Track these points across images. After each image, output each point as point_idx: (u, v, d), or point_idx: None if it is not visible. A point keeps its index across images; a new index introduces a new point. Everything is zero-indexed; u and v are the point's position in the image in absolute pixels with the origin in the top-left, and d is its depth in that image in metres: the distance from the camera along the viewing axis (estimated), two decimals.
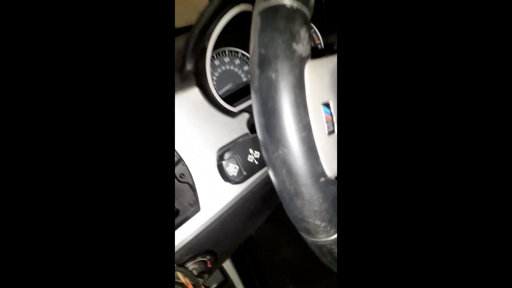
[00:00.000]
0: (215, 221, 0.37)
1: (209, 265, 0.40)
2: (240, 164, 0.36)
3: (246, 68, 0.51)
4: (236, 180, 0.37)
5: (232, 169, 0.36)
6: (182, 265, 0.37)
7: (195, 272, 0.37)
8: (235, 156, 0.36)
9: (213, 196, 0.37)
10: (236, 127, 0.40)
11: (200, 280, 0.35)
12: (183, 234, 0.36)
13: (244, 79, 0.51)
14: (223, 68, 0.49)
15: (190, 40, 0.38)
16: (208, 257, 0.39)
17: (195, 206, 0.38)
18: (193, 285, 0.34)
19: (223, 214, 0.38)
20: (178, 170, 0.38)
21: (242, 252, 0.73)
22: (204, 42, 0.38)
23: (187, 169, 0.36)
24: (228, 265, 0.69)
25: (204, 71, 0.38)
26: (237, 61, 0.51)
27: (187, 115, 0.37)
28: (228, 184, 0.38)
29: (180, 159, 0.36)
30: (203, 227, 0.37)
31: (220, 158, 0.36)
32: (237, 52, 0.51)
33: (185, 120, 0.37)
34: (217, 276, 0.65)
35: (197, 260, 0.38)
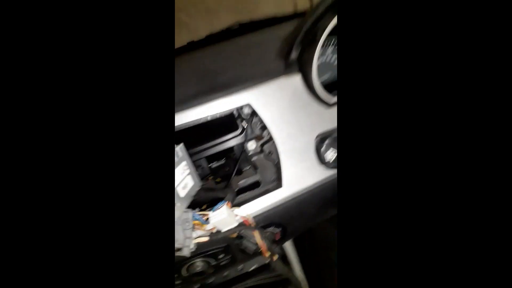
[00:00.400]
0: (293, 199, 0.40)
1: (277, 238, 0.44)
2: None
3: None
4: (331, 165, 0.39)
5: (330, 154, 0.38)
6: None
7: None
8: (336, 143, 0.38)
9: (298, 177, 0.40)
10: (329, 117, 0.41)
11: (274, 247, 0.38)
12: (262, 204, 0.40)
13: None
14: (324, 58, 0.50)
15: (301, 29, 0.41)
16: (278, 230, 0.43)
17: (276, 182, 0.41)
18: (268, 248, 0.38)
19: (302, 195, 0.41)
20: (267, 147, 0.42)
21: (303, 236, 0.75)
22: (315, 33, 0.40)
23: (275, 148, 0.40)
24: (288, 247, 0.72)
25: (310, 61, 0.40)
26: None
27: (286, 99, 0.41)
28: (315, 168, 0.40)
29: (271, 138, 0.40)
30: (281, 202, 0.40)
31: (321, 141, 0.39)
32: None
33: (283, 104, 0.40)
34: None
35: (268, 230, 0.43)
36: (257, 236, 0.37)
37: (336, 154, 0.38)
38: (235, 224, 0.36)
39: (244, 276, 0.57)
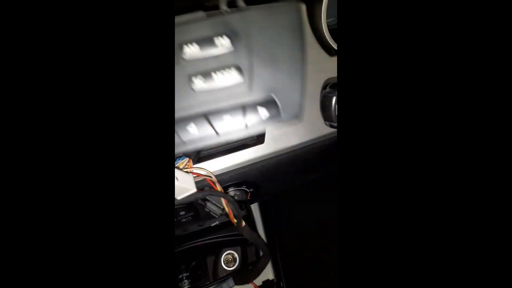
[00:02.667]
0: (274, 158, 0.35)
1: (249, 197, 0.40)
2: None
3: None
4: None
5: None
6: (226, 188, 0.37)
7: (236, 198, 0.37)
8: None
9: (284, 133, 0.34)
10: (330, 67, 0.34)
11: (241, 211, 0.34)
12: (238, 159, 0.34)
13: None
14: None
15: None
16: (251, 189, 0.38)
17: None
18: (235, 216, 0.33)
19: (284, 154, 0.35)
20: None
21: (269, 201, 0.73)
22: None
23: None
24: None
25: None
26: None
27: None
28: (308, 125, 0.33)
29: None
30: (259, 160, 0.35)
31: (333, 90, 0.31)
32: None
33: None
34: None
35: (241, 188, 0.37)
36: (224, 203, 0.32)
37: None
38: (192, 191, 0.28)
39: (204, 232, 0.54)
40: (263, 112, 0.21)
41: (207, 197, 0.32)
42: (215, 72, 0.19)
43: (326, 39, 0.34)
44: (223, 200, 0.32)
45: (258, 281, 0.67)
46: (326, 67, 0.34)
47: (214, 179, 0.32)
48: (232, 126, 0.20)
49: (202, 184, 0.32)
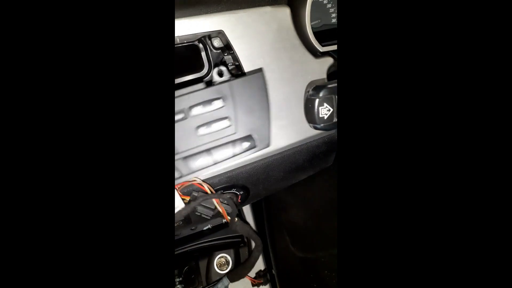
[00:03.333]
0: (262, 160, 0.35)
1: (239, 200, 0.40)
2: (335, 108, 0.32)
3: None
4: (322, 124, 0.32)
5: (324, 110, 0.32)
6: (217, 191, 0.37)
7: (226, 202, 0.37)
8: (333, 97, 0.32)
9: (271, 135, 0.34)
10: (315, 69, 0.35)
11: (234, 212, 0.34)
12: (227, 163, 0.34)
13: (333, 21, 0.44)
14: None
15: None
16: (241, 192, 0.38)
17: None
18: (228, 214, 0.33)
19: (272, 157, 0.35)
20: None
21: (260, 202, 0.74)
22: None
23: None
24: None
25: None
26: None
27: (269, 35, 0.33)
28: (294, 126, 0.34)
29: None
30: (248, 163, 0.35)
31: (315, 92, 0.32)
32: None
33: (264, 40, 0.32)
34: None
35: (231, 191, 0.37)
36: (217, 203, 0.32)
37: (331, 111, 0.32)
38: (180, 207, 0.30)
39: (197, 236, 0.54)
40: (245, 145, 0.31)
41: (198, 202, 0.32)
42: (213, 121, 0.29)
43: (311, 42, 0.35)
44: (214, 200, 0.32)
45: (251, 273, 0.67)
46: (311, 69, 0.35)
47: (199, 180, 0.32)
48: (225, 156, 0.31)
49: (190, 189, 0.32)
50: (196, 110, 0.28)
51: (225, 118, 0.29)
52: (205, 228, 0.52)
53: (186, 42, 0.33)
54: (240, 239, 0.56)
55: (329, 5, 0.43)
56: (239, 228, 0.37)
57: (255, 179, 0.37)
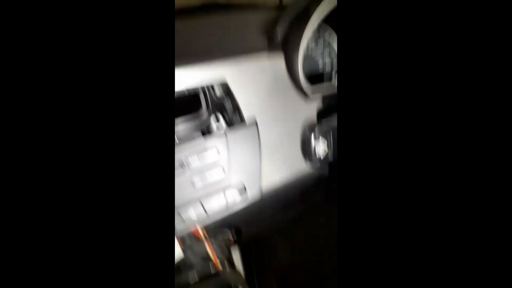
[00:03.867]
0: (257, 202, 0.34)
1: (230, 241, 0.38)
2: (330, 145, 0.33)
3: (327, 59, 0.48)
4: (318, 163, 0.34)
5: (321, 147, 0.33)
6: (209, 231, 0.35)
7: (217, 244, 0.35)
8: (328, 135, 0.34)
9: (267, 174, 0.34)
10: (306, 110, 0.37)
11: (225, 256, 0.32)
12: (220, 214, 0.33)
13: (320, 70, 0.48)
14: (306, 52, 0.46)
15: (290, 12, 0.36)
16: (234, 233, 0.36)
17: None
18: (219, 259, 0.31)
19: (265, 194, 0.35)
20: None
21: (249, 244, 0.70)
22: (308, 15, 0.35)
23: None
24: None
25: (297, 46, 0.35)
26: (320, 50, 0.48)
27: (267, 83, 0.35)
28: (288, 163, 0.35)
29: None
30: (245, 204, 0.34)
31: (310, 130, 0.34)
32: (325, 41, 0.47)
33: (262, 87, 0.34)
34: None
35: (222, 233, 0.36)
36: (209, 248, 0.30)
37: (326, 148, 0.33)
38: (179, 256, 0.30)
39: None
40: (238, 195, 0.31)
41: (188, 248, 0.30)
42: (208, 170, 0.29)
43: (302, 86, 0.37)
44: (207, 247, 0.30)
45: None
46: (304, 109, 0.37)
47: (199, 229, 0.30)
48: (217, 206, 0.30)
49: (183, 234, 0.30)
50: (192, 159, 0.29)
51: (219, 167, 0.30)
52: (190, 278, 0.48)
53: (188, 90, 0.34)
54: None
55: (317, 57, 0.48)
56: (230, 278, 0.34)
57: (248, 219, 0.36)
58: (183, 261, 0.32)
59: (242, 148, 0.30)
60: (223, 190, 0.30)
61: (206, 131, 0.35)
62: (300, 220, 0.50)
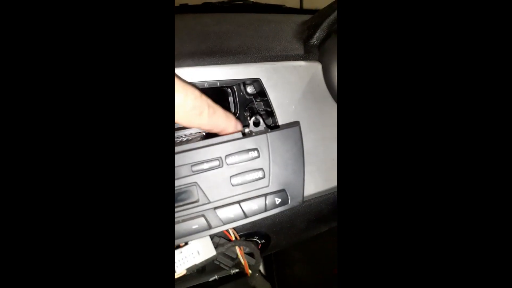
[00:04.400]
0: (289, 211, 0.34)
1: (259, 249, 0.37)
2: None
3: None
4: None
5: None
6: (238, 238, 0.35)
7: (246, 250, 0.34)
8: None
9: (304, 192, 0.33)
10: None
11: (252, 260, 0.31)
12: (257, 217, 0.33)
13: None
14: None
15: (326, 15, 0.35)
16: (263, 241, 0.36)
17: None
18: (250, 266, 0.31)
19: (298, 205, 0.34)
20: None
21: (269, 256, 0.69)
22: None
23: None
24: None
25: (334, 55, 0.34)
26: None
27: (303, 86, 0.34)
28: (323, 174, 0.34)
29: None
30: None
31: None
32: None
33: (298, 90, 0.34)
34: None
35: (253, 239, 0.35)
36: (239, 252, 0.30)
37: None
38: (213, 253, 0.29)
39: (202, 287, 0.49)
40: (277, 200, 0.30)
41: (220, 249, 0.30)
42: (247, 172, 0.29)
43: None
44: (238, 250, 0.30)
45: None
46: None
47: (231, 231, 0.30)
48: (255, 208, 0.29)
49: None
50: (232, 159, 0.28)
51: (259, 169, 0.29)
52: (211, 279, 0.48)
53: (220, 86, 0.35)
54: None
55: None
56: (259, 284, 0.33)
57: (279, 228, 0.35)
58: (214, 264, 0.32)
59: (284, 150, 0.30)
60: (263, 194, 0.29)
61: None
62: (319, 236, 0.49)
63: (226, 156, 0.28)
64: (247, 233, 0.34)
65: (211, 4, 0.58)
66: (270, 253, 0.67)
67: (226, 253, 0.32)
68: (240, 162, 0.28)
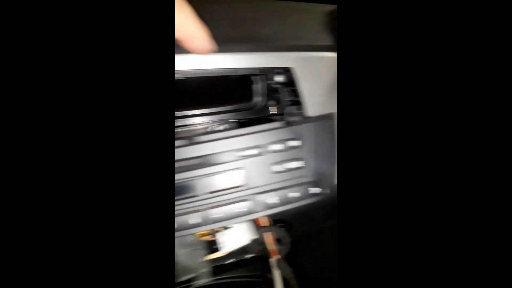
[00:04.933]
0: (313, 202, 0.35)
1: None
2: None
3: None
4: None
5: None
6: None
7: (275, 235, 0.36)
8: None
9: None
10: None
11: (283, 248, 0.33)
12: (296, 204, 0.34)
13: None
14: None
15: None
16: (286, 228, 0.38)
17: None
18: (279, 249, 0.32)
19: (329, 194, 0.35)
20: None
21: None
22: None
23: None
24: None
25: None
26: None
27: (330, 75, 0.35)
28: None
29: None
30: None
31: None
32: None
33: (327, 83, 0.34)
34: None
35: (281, 225, 0.37)
36: (268, 238, 0.31)
37: None
38: (250, 238, 0.30)
39: (219, 269, 0.51)
40: (314, 189, 0.31)
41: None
42: (287, 161, 0.29)
43: None
44: (268, 236, 0.32)
45: None
46: None
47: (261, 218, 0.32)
48: (293, 196, 0.30)
49: None
50: (273, 147, 0.29)
51: (300, 159, 0.30)
52: (227, 262, 0.49)
53: (248, 74, 0.35)
54: (263, 280, 0.53)
55: None
56: (284, 270, 0.35)
57: (301, 216, 0.37)
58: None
59: (322, 141, 0.30)
60: (301, 182, 0.30)
61: (261, 118, 0.35)
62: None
63: (267, 144, 0.28)
64: (274, 219, 0.36)
65: None
66: None
67: (258, 238, 0.33)
68: (281, 151, 0.28)
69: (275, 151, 0.28)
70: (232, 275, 0.51)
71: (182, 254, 0.25)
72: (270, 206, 0.29)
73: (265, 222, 0.31)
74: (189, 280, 0.24)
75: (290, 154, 0.29)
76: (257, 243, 0.33)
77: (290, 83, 0.33)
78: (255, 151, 0.28)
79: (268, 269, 0.41)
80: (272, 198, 0.29)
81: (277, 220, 0.36)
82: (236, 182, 0.28)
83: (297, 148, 0.29)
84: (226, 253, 0.30)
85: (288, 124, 0.29)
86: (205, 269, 0.25)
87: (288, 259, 0.43)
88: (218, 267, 0.50)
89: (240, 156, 0.27)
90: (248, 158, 0.28)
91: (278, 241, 0.35)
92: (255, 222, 0.32)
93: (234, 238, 0.29)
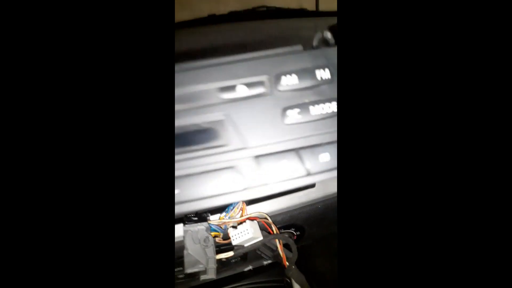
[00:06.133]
0: (323, 201, 0.37)
1: (294, 240, 0.41)
2: None
3: None
4: None
5: None
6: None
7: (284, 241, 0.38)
8: None
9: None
10: None
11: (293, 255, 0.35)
12: (289, 202, 0.36)
13: None
14: None
15: None
16: (298, 232, 0.39)
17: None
18: (287, 258, 0.34)
19: (331, 199, 0.37)
20: None
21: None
22: None
23: None
24: None
25: None
26: None
27: None
28: None
29: None
30: (309, 203, 0.37)
31: None
32: None
33: None
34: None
35: (290, 231, 0.39)
36: (279, 244, 0.33)
37: None
38: (260, 238, 0.31)
39: (237, 277, 0.53)
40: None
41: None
42: (313, 105, 0.19)
43: None
44: (278, 242, 0.33)
45: None
46: None
47: (269, 221, 0.34)
48: (322, 165, 0.21)
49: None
50: (286, 81, 0.18)
51: (332, 100, 0.19)
52: (246, 269, 0.51)
53: None
54: (282, 284, 0.55)
55: None
56: (294, 276, 0.37)
57: (313, 220, 0.38)
58: (256, 253, 0.35)
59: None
60: (331, 138, 0.23)
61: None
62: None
63: (277, 76, 0.17)
64: (285, 225, 0.38)
65: (237, 13, 0.62)
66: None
67: (267, 244, 0.35)
68: (301, 89, 0.18)
69: (290, 89, 0.18)
70: (252, 281, 0.53)
71: (192, 249, 0.26)
72: (284, 179, 0.23)
73: (274, 230, 0.33)
74: (196, 274, 0.25)
75: (316, 92, 0.19)
76: (270, 250, 0.35)
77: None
78: (256, 91, 0.19)
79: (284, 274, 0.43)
80: (284, 164, 0.22)
81: (288, 226, 0.38)
82: (220, 139, 0.21)
83: (326, 82, 0.19)
84: (237, 254, 0.31)
85: (309, 49, 0.19)
86: (214, 266, 0.27)
87: (299, 265, 0.44)
88: (238, 275, 0.52)
89: (227, 98, 0.19)
90: (241, 100, 0.19)
91: (287, 247, 0.36)
92: (266, 228, 0.34)
93: (246, 232, 0.30)
